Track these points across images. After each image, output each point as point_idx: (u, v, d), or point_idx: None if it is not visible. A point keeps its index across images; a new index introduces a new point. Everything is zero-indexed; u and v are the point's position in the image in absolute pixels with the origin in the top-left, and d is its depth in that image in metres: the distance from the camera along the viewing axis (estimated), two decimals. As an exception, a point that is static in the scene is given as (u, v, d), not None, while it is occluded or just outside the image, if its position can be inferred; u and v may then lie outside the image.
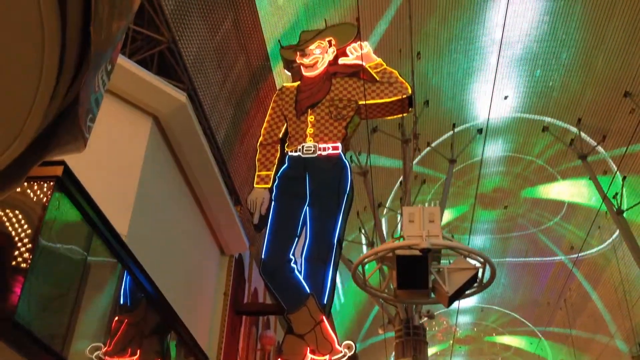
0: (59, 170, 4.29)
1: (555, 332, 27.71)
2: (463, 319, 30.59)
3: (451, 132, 18.89)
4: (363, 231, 19.61)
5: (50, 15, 1.55)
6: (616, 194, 17.73)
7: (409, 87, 11.77)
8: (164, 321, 7.13)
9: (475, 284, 8.51)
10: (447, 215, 20.31)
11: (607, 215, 18.49)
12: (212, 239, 9.23)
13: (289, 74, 12.61)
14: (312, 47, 12.39)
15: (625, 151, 15.42)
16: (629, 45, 15.61)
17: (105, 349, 5.31)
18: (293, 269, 10.26)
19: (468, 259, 8.16)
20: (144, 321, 6.51)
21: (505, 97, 18.41)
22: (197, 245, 8.71)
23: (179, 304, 7.54)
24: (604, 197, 17.36)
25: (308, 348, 9.77)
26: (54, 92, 1.73)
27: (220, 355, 8.87)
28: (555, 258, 24.08)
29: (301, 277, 10.22)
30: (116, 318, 5.56)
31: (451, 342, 30.74)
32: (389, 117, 14.14)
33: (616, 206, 17.32)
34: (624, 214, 17.08)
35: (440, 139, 18.99)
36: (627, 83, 16.19)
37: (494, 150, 20.61)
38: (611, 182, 16.62)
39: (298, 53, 12.32)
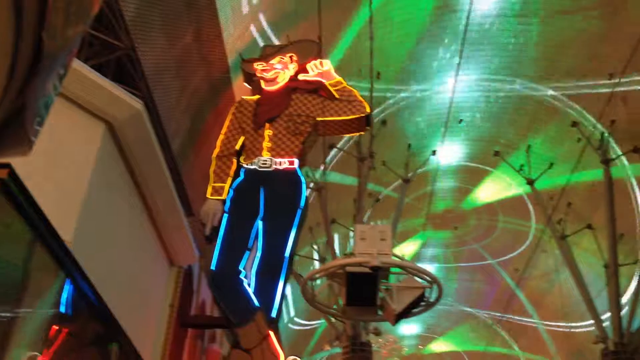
0: (3, 173, 4.17)
1: (496, 352, 28.25)
2: (410, 335, 30.91)
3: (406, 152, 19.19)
4: (315, 247, 19.64)
5: (5, 24, 1.54)
6: (560, 219, 18.32)
7: (367, 106, 11.88)
8: (106, 332, 6.97)
9: (423, 303, 8.62)
10: (400, 234, 20.55)
11: (550, 240, 19.08)
12: (161, 250, 9.09)
13: (249, 87, 12.60)
14: (273, 61, 12.42)
15: (570, 178, 15.98)
16: (579, 76, 16.25)
17: (43, 358, 5.15)
18: (242, 282, 10.17)
19: (416, 278, 8.27)
20: (85, 331, 6.35)
21: (460, 121, 18.85)
22: (145, 255, 8.56)
23: (123, 314, 7.37)
24: (548, 222, 17.91)
25: (254, 368, 9.70)
26: (3, 97, 1.71)
27: (164, 368, 8.73)
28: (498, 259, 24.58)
29: (250, 291, 10.16)
30: (56, 327, 5.40)
31: (396, 359, 30.99)
32: (346, 135, 14.31)
33: (560, 231, 17.89)
34: (567, 239, 17.65)
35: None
36: (575, 114, 16.83)
37: (446, 172, 21.04)
38: (555, 208, 17.19)
39: (259, 67, 12.33)
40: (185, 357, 10.26)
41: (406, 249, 22.37)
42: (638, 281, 15.74)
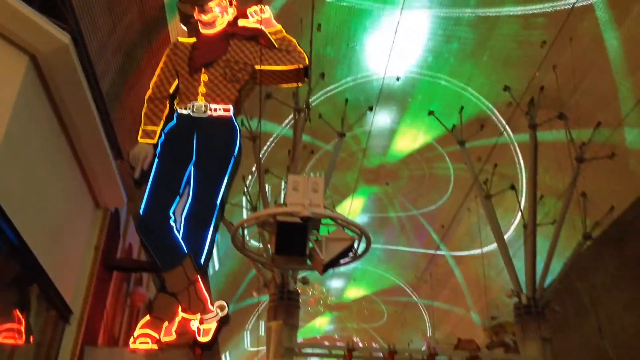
0: None
1: (418, 303, 29.51)
2: (336, 286, 31.69)
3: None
4: (247, 196, 19.62)
5: None
6: (487, 179, 19.01)
7: (306, 58, 11.82)
8: (27, 272, 6.80)
9: (351, 254, 8.84)
10: (332, 186, 20.80)
11: (476, 199, 19.82)
12: (87, 191, 8.85)
13: (185, 29, 12.21)
14: (212, 4, 12.06)
15: (497, 141, 16.54)
16: (514, 42, 16.64)
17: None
18: (172, 227, 10.11)
19: (346, 230, 8.44)
20: (3, 271, 6.18)
21: (398, 79, 19.01)
22: (69, 196, 8.32)
23: (45, 255, 7.20)
24: (475, 182, 18.56)
25: (180, 306, 9.74)
26: None
27: (86, 309, 8.61)
28: (421, 229, 25.43)
29: (180, 237, 10.11)
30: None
31: (321, 308, 31.86)
32: (283, 85, 14.15)
33: (485, 191, 18.59)
34: (492, 199, 18.38)
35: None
36: (508, 78, 17.28)
37: (382, 127, 21.29)
38: (481, 168, 17.81)
39: (197, 9, 11.95)
40: (110, 300, 10.16)
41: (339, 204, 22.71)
42: (553, 241, 16.63)
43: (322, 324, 36.36)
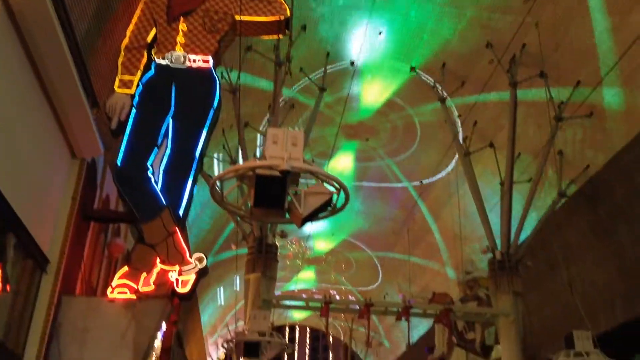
0: None
1: (395, 258, 30.00)
2: (313, 244, 32.00)
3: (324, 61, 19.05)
4: (226, 149, 19.52)
5: None
6: (466, 137, 19.13)
7: (287, 9, 11.60)
8: (1, 221, 6.74)
9: (329, 208, 8.88)
10: (312, 141, 20.75)
11: (456, 157, 19.98)
12: (63, 140, 8.71)
13: (163, -25, 11.84)
14: (190, -51, 11.69)
15: (478, 98, 16.56)
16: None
17: None
18: (150, 179, 10.05)
19: (325, 184, 8.46)
20: (-22, 219, 6.11)
21: (380, 33, 18.78)
22: (44, 145, 8.19)
23: (20, 204, 7.13)
24: (455, 139, 18.68)
25: (158, 258, 9.77)
26: None
27: (63, 259, 8.60)
28: (400, 184, 25.64)
29: (158, 188, 10.06)
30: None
31: (299, 261, 32.25)
32: (264, 37, 13.90)
33: (465, 148, 18.73)
34: (470, 157, 18.54)
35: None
36: (490, 35, 17.18)
37: (364, 84, 21.16)
38: (461, 125, 17.89)
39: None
40: (87, 250, 10.15)
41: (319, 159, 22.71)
42: (528, 198, 16.92)
43: (301, 278, 36.92)
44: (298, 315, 44.86)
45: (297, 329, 63.42)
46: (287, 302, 20.51)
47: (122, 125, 10.08)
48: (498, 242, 17.23)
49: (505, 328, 16.56)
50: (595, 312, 16.24)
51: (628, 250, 15.31)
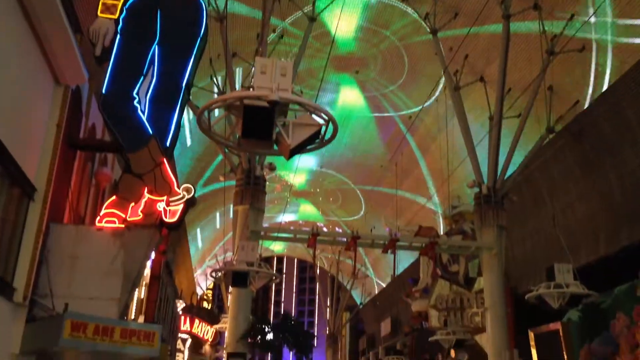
0: None
1: (383, 192, 30.26)
2: (301, 177, 32.09)
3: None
4: (214, 79, 19.19)
5: None
6: (457, 70, 18.90)
7: None
8: (-14, 148, 6.64)
9: (317, 140, 8.82)
10: (301, 72, 20.43)
11: (445, 91, 19.80)
12: (46, 67, 8.49)
13: None
14: None
15: (469, 31, 16.26)
16: None
17: None
18: (136, 108, 9.91)
19: (314, 116, 8.37)
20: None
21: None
22: (28, 72, 7.99)
23: (4, 131, 7.01)
24: (445, 72, 18.45)
25: (146, 188, 9.76)
26: None
27: (50, 187, 8.55)
28: (389, 114, 25.54)
29: (144, 118, 9.94)
30: None
31: (287, 194, 32.43)
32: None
33: (455, 82, 18.54)
34: (460, 91, 18.38)
35: None
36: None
37: (353, 15, 20.67)
38: (452, 58, 17.63)
39: None
40: (74, 179, 10.09)
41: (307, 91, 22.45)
42: (516, 133, 16.91)
43: (288, 211, 37.25)
44: (277, 247, 45.31)
45: (285, 260, 64.63)
46: (275, 234, 20.70)
47: (107, 52, 9.84)
48: (485, 177, 17.36)
49: (489, 261, 16.94)
50: (577, 246, 16.60)
51: (613, 185, 15.50)
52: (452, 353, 19.54)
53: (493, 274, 16.77)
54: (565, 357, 15.83)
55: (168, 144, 10.03)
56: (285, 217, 38.29)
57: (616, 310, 14.54)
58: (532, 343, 17.23)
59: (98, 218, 9.53)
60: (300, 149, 8.70)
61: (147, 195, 9.76)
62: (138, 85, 9.95)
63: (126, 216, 9.61)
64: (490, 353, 16.09)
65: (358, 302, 42.81)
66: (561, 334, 16.18)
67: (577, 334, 16.05)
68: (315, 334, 58.08)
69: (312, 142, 8.89)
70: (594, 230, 16.28)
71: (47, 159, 8.51)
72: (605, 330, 14.84)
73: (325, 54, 20.78)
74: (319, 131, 8.75)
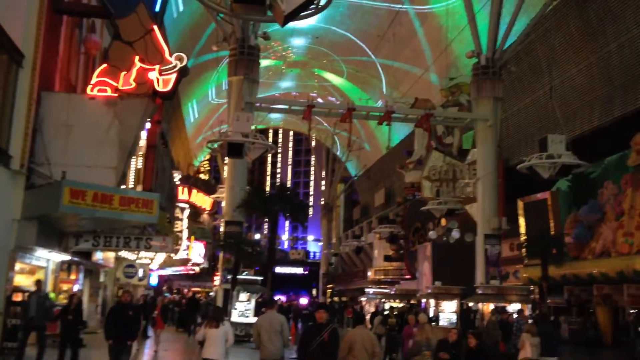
0: None
1: (380, 62, 29.64)
2: (297, 44, 31.23)
3: None
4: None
5: None
6: None
7: None
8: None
9: (313, 6, 8.51)
10: None
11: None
12: None
13: None
14: None
15: None
16: None
17: None
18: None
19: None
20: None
21: None
22: None
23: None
24: None
25: (137, 56, 9.54)
26: None
27: (38, 54, 8.32)
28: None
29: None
30: None
31: (283, 66, 31.79)
32: None
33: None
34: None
35: None
36: None
37: None
38: None
39: None
40: (62, 46, 9.81)
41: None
42: (519, 1, 16.26)
43: (283, 83, 36.68)
44: (274, 119, 45.21)
45: (281, 132, 64.87)
46: (270, 106, 20.56)
47: None
48: (485, 48, 16.98)
49: (483, 132, 17.02)
50: (573, 117, 16.64)
51: (613, 55, 15.22)
52: (443, 221, 20.20)
53: (487, 145, 16.92)
54: (552, 224, 16.41)
55: (158, 8, 9.65)
56: (281, 89, 37.88)
57: (604, 180, 14.88)
58: (521, 212, 17.79)
59: (90, 87, 9.39)
60: (295, 15, 8.41)
61: (138, 64, 9.55)
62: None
63: (118, 85, 9.46)
64: (479, 220, 16.66)
65: (353, 174, 43.53)
66: (549, 202, 16.67)
67: (565, 202, 16.54)
68: (311, 205, 59.73)
69: (307, 8, 8.57)
70: (590, 101, 16.23)
71: (32, 25, 8.20)
72: (592, 199, 15.27)
73: None
74: (314, -4, 8.40)
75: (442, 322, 15.63)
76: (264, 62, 22.97)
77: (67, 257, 11.14)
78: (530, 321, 11.56)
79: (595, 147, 15.10)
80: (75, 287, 12.69)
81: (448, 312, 16.09)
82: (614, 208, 14.37)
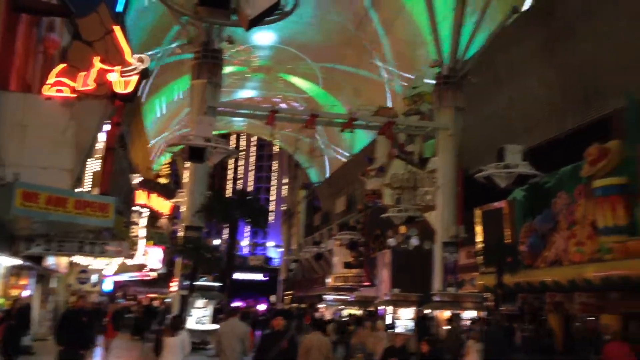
0: None
1: (343, 70, 29.82)
2: (262, 53, 31.16)
3: None
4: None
5: None
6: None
7: None
8: None
9: (278, 11, 8.52)
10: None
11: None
12: None
13: None
14: None
15: None
16: None
17: None
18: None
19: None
20: None
21: None
22: None
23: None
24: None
25: (97, 57, 9.36)
26: None
27: (-7, 52, 8.08)
28: None
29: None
30: None
31: (247, 69, 31.66)
32: None
33: None
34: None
35: None
36: None
37: None
38: None
39: None
40: (19, 44, 9.55)
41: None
42: (481, 12, 16.54)
43: (247, 90, 36.51)
44: (236, 124, 44.88)
45: (243, 137, 64.52)
46: (233, 110, 20.41)
47: None
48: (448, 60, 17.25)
49: (444, 141, 17.28)
50: (530, 128, 17.02)
51: (572, 67, 15.64)
52: (403, 229, 20.38)
53: (447, 154, 17.19)
54: (509, 232, 16.71)
55: (120, 9, 9.50)
56: (244, 94, 37.69)
57: (559, 190, 15.22)
58: (478, 220, 18.07)
59: (47, 86, 9.16)
60: (260, 19, 8.41)
61: (98, 65, 9.37)
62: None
63: (77, 85, 9.27)
64: (438, 228, 16.87)
65: (314, 181, 43.61)
66: (506, 211, 16.98)
67: (520, 211, 16.86)
68: (272, 210, 59.50)
69: (272, 13, 8.57)
70: (549, 112, 16.63)
71: (-13, 20, 7.97)
72: (546, 208, 15.61)
73: None
74: (278, 2, 8.41)
75: (399, 329, 15.76)
76: (228, 69, 22.79)
77: (17, 261, 10.80)
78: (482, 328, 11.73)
79: (551, 158, 15.47)
80: (26, 293, 12.32)
81: (404, 319, 16.25)
82: (567, 217, 14.69)
